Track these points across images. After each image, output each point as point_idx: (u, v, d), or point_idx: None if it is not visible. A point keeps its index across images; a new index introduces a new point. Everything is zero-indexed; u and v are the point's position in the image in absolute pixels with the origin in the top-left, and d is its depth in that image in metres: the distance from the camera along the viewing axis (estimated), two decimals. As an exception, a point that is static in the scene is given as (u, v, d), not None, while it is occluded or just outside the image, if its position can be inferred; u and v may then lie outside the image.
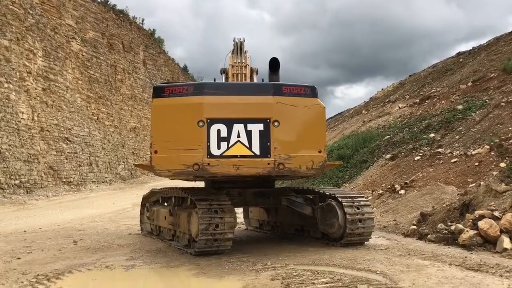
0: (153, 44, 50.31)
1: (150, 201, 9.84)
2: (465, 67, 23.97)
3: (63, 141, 29.25)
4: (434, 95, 21.68)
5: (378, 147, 17.68)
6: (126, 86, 41.72)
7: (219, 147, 6.37)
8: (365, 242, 7.51)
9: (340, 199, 7.34)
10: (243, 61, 8.75)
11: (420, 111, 20.26)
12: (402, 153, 15.28)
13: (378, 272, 5.41)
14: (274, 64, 7.50)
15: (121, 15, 44.00)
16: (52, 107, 29.10)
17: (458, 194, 9.46)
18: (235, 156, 6.40)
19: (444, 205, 8.80)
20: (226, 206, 6.81)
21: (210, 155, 6.34)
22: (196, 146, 6.33)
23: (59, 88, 30.54)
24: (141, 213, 10.50)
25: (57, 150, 28.21)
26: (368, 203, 7.72)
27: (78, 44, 34.82)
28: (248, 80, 8.54)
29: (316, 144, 6.73)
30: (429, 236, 7.64)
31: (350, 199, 7.42)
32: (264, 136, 6.45)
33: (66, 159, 28.80)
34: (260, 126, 6.46)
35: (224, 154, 6.38)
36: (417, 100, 22.66)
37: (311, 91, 6.79)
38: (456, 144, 13.76)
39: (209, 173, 6.41)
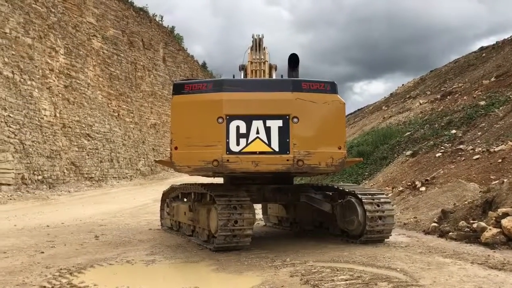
0: (173, 41, 50.64)
1: (170, 196, 9.92)
2: (488, 62, 23.54)
3: (85, 138, 29.68)
4: (455, 91, 21.34)
5: (399, 143, 17.50)
6: (146, 83, 42.10)
7: (238, 144, 6.38)
8: (385, 240, 7.44)
9: (360, 196, 7.29)
10: (262, 57, 8.73)
11: (442, 107, 19.97)
12: (423, 150, 15.09)
13: (398, 269, 5.37)
14: (293, 60, 7.46)
15: (141, 13, 44.37)
16: (73, 104, 29.54)
17: (480, 191, 9.31)
18: (254, 153, 6.40)
19: (466, 202, 8.67)
20: (245, 202, 6.83)
21: (229, 151, 6.36)
22: (216, 143, 6.35)
23: (80, 85, 30.97)
24: (161, 209, 10.60)
25: (78, 146, 28.65)
26: (388, 200, 7.65)
27: (99, 42, 35.23)
28: (267, 77, 8.53)
29: (335, 141, 6.68)
30: (450, 233, 7.54)
31: (370, 196, 7.37)
32: (283, 132, 6.43)
33: (88, 155, 29.23)
34: (279, 123, 6.44)
35: (243, 151, 6.38)
36: (438, 96, 22.35)
37: (330, 87, 6.73)
38: (479, 141, 13.54)
39: (228, 169, 6.43)
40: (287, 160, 6.42)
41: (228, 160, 6.34)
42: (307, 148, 6.47)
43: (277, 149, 6.43)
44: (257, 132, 6.42)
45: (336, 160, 6.62)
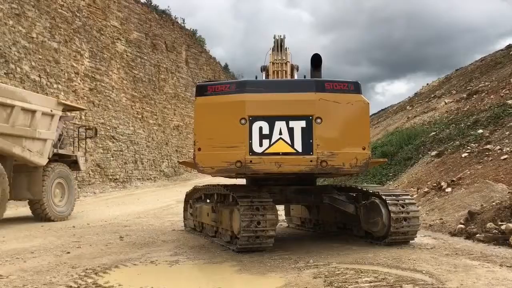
0: (195, 44, 50.99)
1: (193, 198, 9.97)
2: (516, 60, 23.00)
3: (109, 140, 30.12)
4: (482, 90, 20.91)
5: (423, 143, 17.23)
6: (169, 85, 42.49)
7: (261, 145, 6.37)
8: (410, 241, 7.33)
9: (384, 197, 7.20)
10: (284, 58, 8.70)
11: (468, 107, 19.59)
12: (449, 150, 14.82)
13: (424, 271, 5.28)
14: (316, 60, 7.42)
15: (164, 16, 44.80)
16: (98, 107, 30.01)
17: (508, 192, 9.10)
18: (277, 154, 6.38)
19: (493, 203, 8.48)
20: (267, 203, 6.82)
21: (252, 152, 6.35)
22: (239, 144, 6.35)
23: (105, 88, 31.46)
24: (185, 210, 10.66)
25: (103, 148, 29.09)
26: (413, 201, 7.54)
27: (123, 45, 35.72)
28: (289, 77, 8.50)
29: (360, 141, 6.61)
30: (477, 235, 7.38)
31: (394, 197, 7.27)
32: (307, 133, 6.40)
33: (112, 157, 29.65)
34: (302, 123, 6.41)
35: (266, 152, 6.37)
36: (464, 95, 21.92)
37: (354, 87, 6.66)
38: (507, 141, 13.22)
39: (251, 171, 6.43)
40: (311, 161, 6.38)
41: (251, 161, 6.33)
42: (330, 148, 6.41)
43: (300, 150, 6.39)
44: (280, 133, 6.40)
45: (360, 160, 6.55)
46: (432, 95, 28.07)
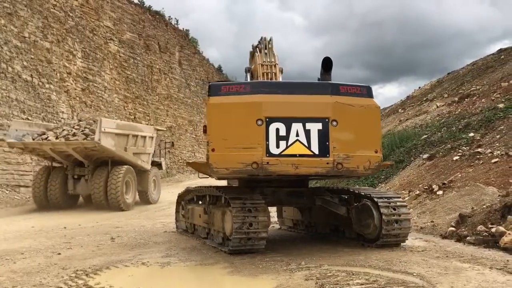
0: (188, 45, 50.93)
1: (185, 199, 9.95)
2: (507, 64, 23.20)
3: (101, 140, 29.92)
4: (473, 94, 21.07)
5: (415, 146, 17.31)
6: (162, 86, 42.40)
7: (278, 146, 6.32)
8: (402, 244, 7.36)
9: (376, 200, 7.23)
10: (273, 60, 8.68)
11: (459, 110, 19.73)
12: (440, 153, 14.91)
13: (415, 274, 5.30)
14: (327, 63, 7.39)
15: (157, 16, 44.72)
16: (91, 107, 29.88)
17: (499, 196, 9.16)
18: (294, 155, 6.35)
19: (484, 206, 8.54)
20: (259, 205, 6.81)
21: (269, 153, 6.29)
22: (255, 145, 6.28)
23: (97, 88, 31.32)
24: (177, 211, 10.63)
25: (95, 148, 28.90)
26: (404, 203, 7.57)
27: (116, 45, 35.60)
28: (279, 79, 8.48)
29: (372, 144, 6.69)
30: (468, 238, 7.42)
31: (386, 200, 7.29)
32: (323, 135, 6.40)
33: (104, 158, 29.47)
34: (319, 126, 6.40)
35: (283, 153, 6.32)
36: (456, 99, 22.08)
37: (366, 91, 6.76)
38: (497, 144, 13.33)
39: (268, 172, 6.36)
40: (327, 163, 6.38)
41: (268, 163, 6.27)
42: (346, 151, 6.44)
43: (317, 152, 6.38)
44: (297, 135, 6.37)
45: (373, 163, 6.62)
46: (424, 98, 28.24)
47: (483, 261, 5.92)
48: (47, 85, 25.30)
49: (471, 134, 15.20)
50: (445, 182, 11.79)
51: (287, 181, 7.73)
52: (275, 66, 8.54)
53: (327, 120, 6.42)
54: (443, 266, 5.72)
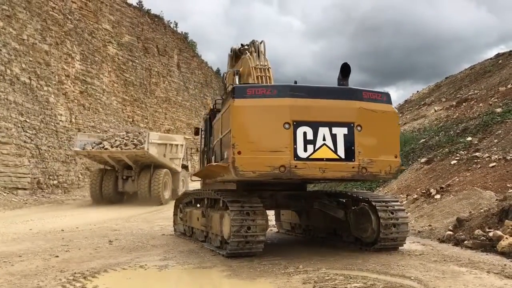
0: (187, 48, 50.99)
1: (183, 202, 9.95)
2: (504, 69, 23.28)
3: (99, 143, 29.89)
4: (471, 98, 21.13)
5: (413, 150, 17.35)
6: (160, 89, 42.41)
7: (305, 150, 6.32)
8: (399, 247, 7.37)
9: (373, 203, 7.24)
10: (266, 63, 8.68)
11: (457, 114, 19.79)
12: (438, 157, 14.94)
13: (412, 278, 5.31)
14: (346, 69, 7.44)
15: (156, 19, 44.78)
16: (89, 110, 29.86)
17: (496, 200, 9.18)
18: (321, 159, 6.36)
19: (481, 210, 8.56)
20: (258, 208, 6.82)
21: (297, 157, 6.28)
22: (283, 148, 6.26)
23: (95, 91, 31.32)
24: (175, 214, 10.63)
25: (93, 151, 28.85)
26: (402, 207, 7.59)
27: (114, 48, 35.62)
28: (273, 83, 8.48)
29: (392, 149, 6.79)
30: (465, 242, 7.44)
31: (384, 203, 7.31)
32: (349, 140, 6.45)
33: (102, 160, 29.43)
34: (344, 130, 6.45)
35: (310, 157, 6.33)
36: (454, 103, 22.14)
37: (386, 97, 6.89)
38: (495, 148, 13.37)
39: (295, 175, 6.36)
40: (353, 167, 6.43)
41: (296, 166, 6.26)
42: (370, 156, 6.52)
43: (343, 156, 6.42)
44: (324, 139, 6.39)
45: (393, 168, 6.72)
46: (422, 103, 28.31)
47: (481, 265, 5.94)
48: (45, 88, 25.28)
49: (469, 139, 15.24)
50: (443, 186, 11.82)
51: (287, 184, 7.74)
52: (268, 69, 8.55)
53: (352, 125, 6.48)
54: (440, 270, 5.74)
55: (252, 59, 8.65)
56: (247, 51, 9.08)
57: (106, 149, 19.88)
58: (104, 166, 21.29)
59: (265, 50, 8.87)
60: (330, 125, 6.42)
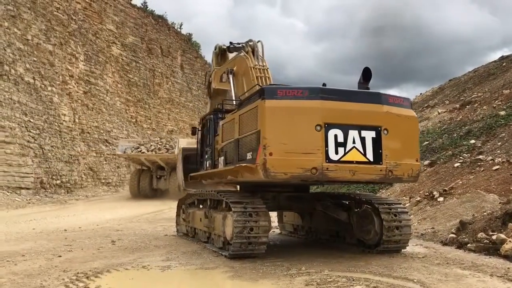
0: (190, 49, 51.03)
1: (186, 203, 9.96)
2: (508, 72, 23.21)
3: (103, 143, 30.03)
4: (475, 100, 21.08)
5: (416, 153, 17.30)
6: (164, 90, 42.47)
7: (336, 152, 6.35)
8: (402, 250, 7.37)
9: (377, 205, 7.24)
10: (264, 64, 8.66)
11: (460, 117, 19.75)
12: (441, 160, 14.92)
13: (415, 280, 5.30)
14: (368, 73, 7.47)
15: (160, 20, 44.84)
16: (92, 110, 29.94)
17: (500, 203, 9.16)
18: (351, 162, 6.40)
19: (485, 213, 8.54)
20: (260, 209, 6.82)
21: (328, 159, 6.30)
22: (315, 151, 6.27)
23: (99, 91, 31.39)
24: (177, 215, 10.63)
25: (96, 151, 28.99)
26: (405, 210, 7.58)
27: (118, 49, 35.70)
28: (271, 83, 8.47)
29: (414, 153, 6.93)
30: (469, 245, 7.42)
31: (387, 206, 7.31)
32: (376, 143, 6.52)
33: (105, 161, 29.55)
34: (373, 134, 6.52)
35: (341, 159, 6.36)
36: (457, 106, 22.09)
37: (408, 103, 7.09)
38: (498, 151, 13.33)
39: (327, 178, 6.38)
40: (380, 170, 6.50)
41: (327, 169, 6.28)
42: (395, 159, 6.61)
43: (371, 159, 6.48)
44: (354, 142, 6.44)
45: (415, 171, 6.84)
46: (426, 105, 28.24)
47: (484, 268, 5.92)
48: (49, 88, 25.37)
49: (472, 141, 15.21)
50: (446, 188, 11.80)
51: (290, 185, 7.73)
52: (267, 70, 8.54)
53: (379, 128, 6.55)
54: (443, 272, 5.72)
55: (250, 58, 8.62)
56: (242, 50, 9.04)
57: (143, 152, 23.60)
58: (141, 167, 24.90)
59: (263, 50, 8.85)
60: (359, 128, 6.48)
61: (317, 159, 6.22)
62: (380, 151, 6.50)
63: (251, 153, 6.50)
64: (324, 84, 6.78)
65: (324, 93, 6.51)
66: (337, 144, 6.35)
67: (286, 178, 6.28)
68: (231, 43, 9.75)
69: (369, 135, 6.49)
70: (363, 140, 6.46)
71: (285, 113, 6.33)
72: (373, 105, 6.65)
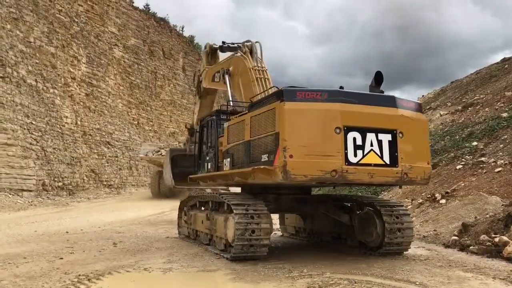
0: (192, 51, 51.06)
1: (188, 205, 9.95)
2: (510, 74, 23.17)
3: (105, 145, 30.06)
4: (477, 102, 21.05)
5: (418, 155, 17.27)
6: (165, 92, 42.51)
7: (355, 155, 6.38)
8: (404, 252, 7.35)
9: (378, 208, 7.23)
10: (263, 65, 8.64)
11: (463, 119, 19.72)
12: (443, 162, 14.89)
13: (417, 283, 5.29)
14: (380, 77, 7.50)
15: (162, 23, 44.91)
16: (94, 112, 29.98)
17: (502, 205, 9.14)
18: (369, 165, 6.43)
19: (487, 216, 8.52)
20: (262, 211, 6.81)
21: (348, 162, 6.32)
22: (335, 153, 6.28)
23: (101, 93, 31.44)
24: (179, 217, 10.62)
25: (98, 153, 29.01)
26: (407, 212, 7.57)
27: (120, 51, 35.76)
28: (271, 84, 8.47)
29: (425, 156, 7.02)
30: (471, 247, 7.40)
31: (389, 208, 7.30)
32: (393, 146, 6.57)
33: (107, 163, 29.57)
34: (389, 137, 6.57)
35: (360, 162, 6.39)
36: (459, 107, 22.06)
37: (419, 107, 7.19)
38: (501, 153, 13.31)
39: (346, 180, 6.40)
40: (397, 173, 6.54)
41: (347, 171, 6.29)
42: (410, 162, 6.66)
43: (388, 162, 6.53)
44: (371, 145, 6.48)
45: (426, 174, 6.90)
46: (428, 107, 28.21)
47: (486, 271, 5.91)
48: (51, 90, 25.41)
49: (475, 143, 15.18)
50: (448, 191, 11.78)
51: (292, 188, 7.72)
52: (266, 71, 8.54)
53: (395, 131, 6.60)
54: (445, 275, 5.71)
55: (248, 59, 8.61)
56: (238, 50, 9.02)
57: (163, 155, 24.09)
58: (161, 169, 25.47)
59: (261, 51, 8.84)
60: (376, 131, 6.52)
61: (337, 162, 6.24)
62: (396, 154, 6.55)
63: (267, 155, 6.47)
64: (341, 87, 6.78)
65: (343, 96, 6.53)
66: (356, 147, 6.38)
67: (305, 180, 6.27)
68: (224, 42, 9.72)
69: (385, 138, 6.55)
70: (380, 143, 6.51)
71: (304, 115, 6.34)
72: (389, 108, 6.71)
